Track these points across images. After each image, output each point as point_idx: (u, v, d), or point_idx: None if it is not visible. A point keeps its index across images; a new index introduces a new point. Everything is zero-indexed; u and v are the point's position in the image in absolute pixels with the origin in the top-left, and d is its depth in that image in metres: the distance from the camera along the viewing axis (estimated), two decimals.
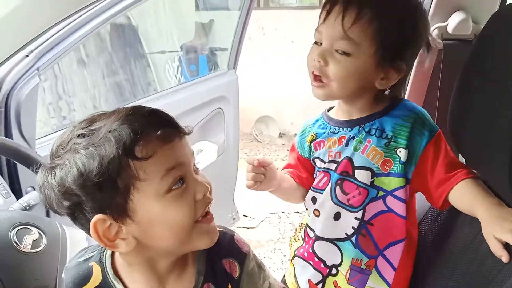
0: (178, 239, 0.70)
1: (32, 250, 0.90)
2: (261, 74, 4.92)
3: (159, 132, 0.67)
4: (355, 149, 0.97)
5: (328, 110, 1.07)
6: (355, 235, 0.99)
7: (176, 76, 3.52)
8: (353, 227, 0.98)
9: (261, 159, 1.01)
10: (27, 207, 1.10)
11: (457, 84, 0.97)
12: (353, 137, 0.98)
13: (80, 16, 1.46)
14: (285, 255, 2.84)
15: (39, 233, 0.93)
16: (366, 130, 0.97)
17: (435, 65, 1.38)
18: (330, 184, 1.00)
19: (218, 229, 0.79)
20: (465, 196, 0.89)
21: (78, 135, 0.67)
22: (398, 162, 0.95)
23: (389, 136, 0.95)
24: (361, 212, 0.97)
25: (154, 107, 0.72)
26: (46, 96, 2.36)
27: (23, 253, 0.89)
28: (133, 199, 0.66)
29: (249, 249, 0.83)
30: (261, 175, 1.01)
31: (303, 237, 1.09)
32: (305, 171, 1.10)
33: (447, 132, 0.97)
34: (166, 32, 3.69)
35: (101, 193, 0.64)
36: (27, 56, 1.36)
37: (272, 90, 4.99)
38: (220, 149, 2.17)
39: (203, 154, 2.13)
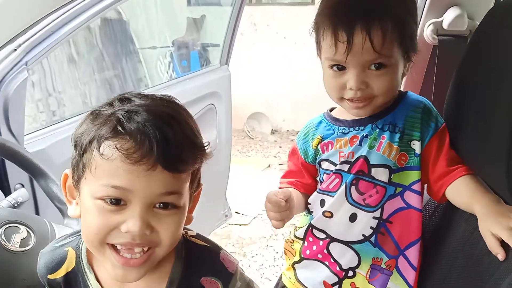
0: (92, 245, 0.69)
1: (21, 249, 0.88)
2: (253, 71, 4.91)
3: (134, 151, 0.62)
4: (370, 147, 0.95)
5: (330, 110, 1.04)
6: (374, 235, 0.96)
7: (167, 72, 3.50)
8: (371, 227, 0.96)
9: (284, 195, 0.96)
10: (16, 205, 1.08)
11: (453, 80, 0.97)
12: (366, 136, 0.95)
13: (70, 9, 1.42)
14: (277, 252, 2.83)
15: (27, 231, 0.90)
16: (380, 126, 0.95)
17: (430, 62, 1.38)
18: (344, 185, 0.96)
19: (203, 243, 0.79)
20: (463, 191, 0.89)
21: (119, 99, 0.69)
22: (413, 155, 0.94)
23: (401, 130, 0.94)
24: (379, 211, 0.95)
25: (187, 127, 0.68)
26: (36, 91, 2.32)
27: (11, 252, 0.87)
28: (83, 179, 0.68)
29: (236, 267, 0.80)
30: (287, 211, 0.96)
31: (302, 238, 1.05)
32: (309, 177, 1.07)
33: None
34: (158, 27, 3.66)
35: (75, 154, 0.69)
36: (15, 50, 1.33)
37: (264, 86, 4.98)
38: (212, 146, 2.14)
39: None
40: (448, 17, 1.32)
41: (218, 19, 3.08)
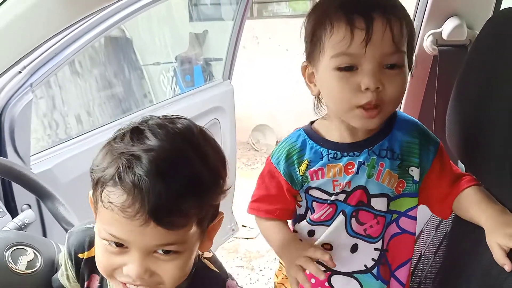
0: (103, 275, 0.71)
1: (28, 271, 0.88)
2: (256, 83, 4.93)
3: (128, 205, 0.61)
4: (369, 176, 0.86)
5: (311, 124, 0.93)
6: (376, 267, 0.91)
7: (171, 87, 3.52)
8: (373, 259, 0.91)
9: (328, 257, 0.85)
10: (22, 226, 1.08)
11: (454, 91, 0.97)
12: (363, 163, 0.86)
13: (74, 30, 1.45)
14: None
15: (34, 253, 0.91)
16: (377, 152, 0.86)
17: (431, 72, 1.38)
18: (343, 217, 0.89)
19: (213, 268, 0.78)
20: (468, 204, 0.87)
21: (131, 131, 0.67)
22: (411, 182, 0.88)
23: (400, 156, 0.87)
24: (380, 242, 0.90)
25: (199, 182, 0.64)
26: (41, 108, 2.35)
27: (18, 274, 0.87)
28: (97, 211, 0.68)
29: None
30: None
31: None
32: (293, 201, 0.93)
33: (445, 139, 0.96)
34: (160, 43, 3.69)
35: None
36: (20, 72, 1.35)
37: (268, 98, 4.99)
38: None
39: None
40: (448, 28, 1.32)
41: (220, 33, 3.11)
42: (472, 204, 0.86)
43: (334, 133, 0.89)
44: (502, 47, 0.86)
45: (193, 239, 0.68)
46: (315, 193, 0.89)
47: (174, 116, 0.71)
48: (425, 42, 1.35)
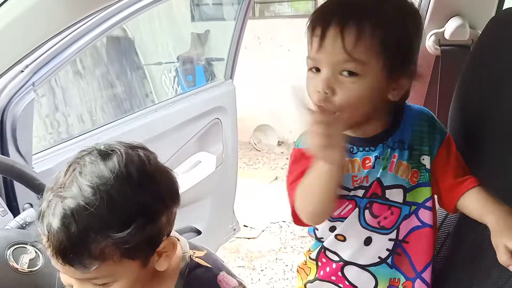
0: None
1: (29, 270, 0.89)
2: (258, 83, 4.92)
3: (48, 245, 0.70)
4: (384, 168, 0.88)
5: None
6: (390, 256, 0.92)
7: (173, 87, 3.53)
8: (387, 249, 0.92)
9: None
10: (24, 225, 1.08)
11: (456, 91, 0.97)
12: (378, 157, 0.87)
13: (76, 29, 1.45)
14: (287, 265, 2.82)
15: (35, 252, 0.91)
16: (390, 145, 0.88)
17: (433, 72, 1.38)
18: (356, 209, 0.90)
19: (205, 264, 0.82)
20: (475, 203, 0.86)
21: (73, 163, 0.75)
22: (424, 171, 0.89)
23: (410, 146, 0.89)
24: (395, 232, 0.91)
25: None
26: (43, 108, 2.35)
27: (19, 272, 0.88)
28: None
29: None
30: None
31: (314, 259, 0.99)
32: None
33: None
34: (162, 43, 3.70)
35: None
36: (22, 71, 1.35)
37: (269, 98, 4.99)
38: (218, 160, 2.15)
39: (201, 165, 2.11)
40: (450, 28, 1.32)
41: (222, 33, 3.11)
42: (479, 203, 0.86)
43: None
44: (505, 47, 0.86)
45: (126, 268, 0.73)
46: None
47: (112, 148, 0.75)
48: (428, 42, 1.35)
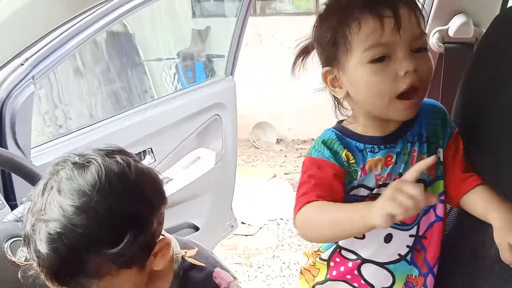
0: None
1: (26, 263, 0.88)
2: (258, 80, 4.92)
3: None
4: (405, 163, 0.87)
5: (340, 122, 0.92)
6: (410, 253, 0.91)
7: (173, 83, 3.52)
8: (407, 246, 0.90)
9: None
10: (22, 218, 1.07)
11: (460, 88, 0.96)
12: (400, 152, 0.87)
13: (76, 23, 1.44)
14: (284, 262, 2.81)
15: None
16: (410, 140, 0.88)
17: (436, 69, 1.37)
18: None
19: (198, 263, 0.81)
20: (479, 200, 0.86)
21: (49, 178, 0.73)
22: (440, 164, 0.89)
23: (428, 139, 0.89)
24: (415, 228, 0.89)
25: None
26: (42, 104, 2.34)
27: (16, 265, 0.86)
28: None
29: (229, 285, 0.81)
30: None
31: (326, 260, 0.95)
32: (343, 189, 0.86)
33: None
34: (163, 39, 3.69)
35: None
36: (22, 64, 1.34)
37: (269, 96, 4.98)
38: (218, 156, 2.15)
39: (200, 161, 2.10)
40: (454, 25, 1.31)
41: (223, 30, 3.10)
42: (484, 201, 0.85)
43: (363, 128, 0.88)
44: (509, 44, 0.85)
45: (124, 277, 0.72)
46: (357, 191, 0.87)
47: (88, 158, 0.70)
48: (431, 39, 1.35)
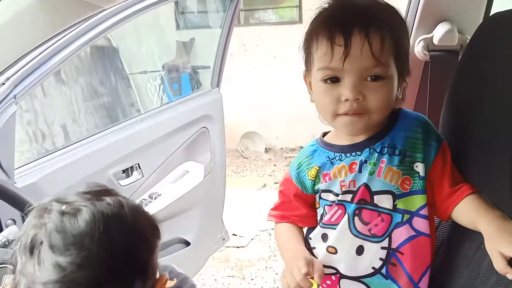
0: None
1: None
2: (245, 90, 4.92)
3: None
4: (371, 174, 0.89)
5: (323, 136, 0.98)
6: (384, 266, 0.90)
7: (158, 95, 3.50)
8: (380, 258, 0.90)
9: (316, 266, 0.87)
10: (7, 243, 1.04)
11: (447, 96, 0.96)
12: (365, 161, 0.89)
13: (59, 40, 1.42)
14: (277, 273, 2.79)
15: None
16: (378, 150, 0.89)
17: (422, 78, 1.37)
18: (346, 216, 0.90)
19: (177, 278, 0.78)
20: (468, 210, 0.85)
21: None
22: (417, 178, 0.89)
23: (402, 152, 0.89)
24: (387, 240, 0.90)
25: None
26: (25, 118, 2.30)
27: None
28: None
29: None
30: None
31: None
32: (304, 207, 0.99)
33: None
34: (147, 52, 3.67)
35: None
36: (4, 84, 1.31)
37: (256, 105, 4.99)
38: (206, 169, 2.13)
39: (189, 175, 2.08)
40: (438, 33, 1.32)
41: (208, 41, 3.10)
42: (473, 210, 0.84)
43: (335, 137, 0.95)
44: (494, 51, 0.85)
45: None
46: (326, 195, 0.94)
47: (76, 206, 0.63)
48: (416, 48, 1.35)
